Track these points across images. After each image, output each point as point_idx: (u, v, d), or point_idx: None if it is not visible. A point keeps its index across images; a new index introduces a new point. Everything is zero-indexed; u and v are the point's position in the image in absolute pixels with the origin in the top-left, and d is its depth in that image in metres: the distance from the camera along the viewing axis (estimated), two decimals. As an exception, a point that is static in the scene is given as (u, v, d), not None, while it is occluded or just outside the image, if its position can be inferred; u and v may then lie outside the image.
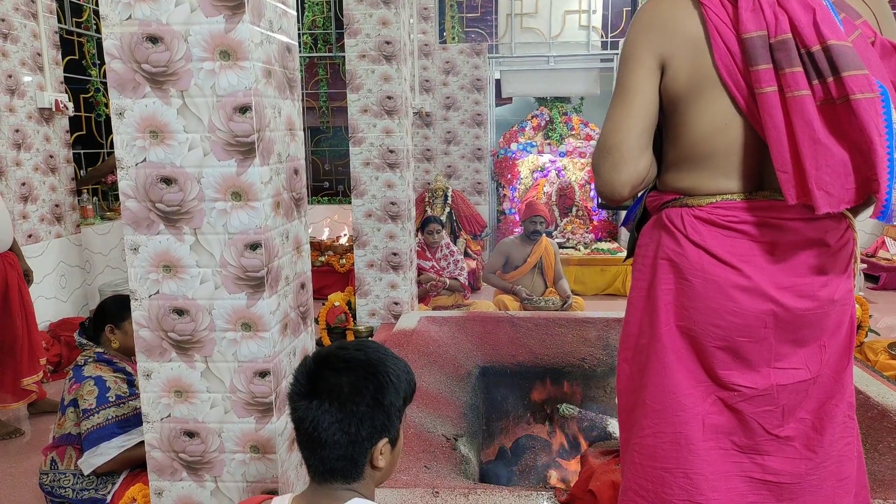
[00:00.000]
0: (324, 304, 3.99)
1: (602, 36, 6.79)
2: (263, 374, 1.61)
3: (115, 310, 2.49)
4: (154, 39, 1.51)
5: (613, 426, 3.19)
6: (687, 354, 1.27)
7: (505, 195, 6.78)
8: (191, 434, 1.66)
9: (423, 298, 4.70)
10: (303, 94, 7.26)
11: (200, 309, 1.60)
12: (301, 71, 7.26)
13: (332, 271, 5.68)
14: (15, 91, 4.34)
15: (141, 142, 1.54)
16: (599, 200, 1.91)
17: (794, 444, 1.26)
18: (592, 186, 6.72)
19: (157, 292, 1.60)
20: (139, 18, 1.50)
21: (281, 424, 1.67)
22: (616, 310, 5.13)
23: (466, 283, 4.73)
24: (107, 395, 2.28)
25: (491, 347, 3.73)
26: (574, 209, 6.63)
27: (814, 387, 1.27)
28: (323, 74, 7.27)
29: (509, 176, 6.74)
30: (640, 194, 1.45)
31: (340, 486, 1.13)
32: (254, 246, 1.56)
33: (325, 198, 7.34)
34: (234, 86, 1.51)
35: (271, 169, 1.63)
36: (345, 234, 6.30)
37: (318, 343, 3.92)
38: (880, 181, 1.07)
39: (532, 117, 6.84)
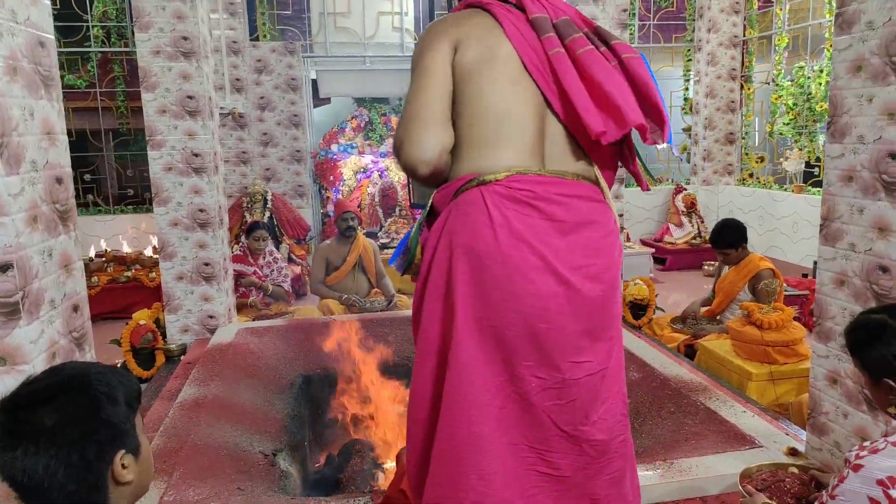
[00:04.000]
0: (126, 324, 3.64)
1: (414, 38, 6.92)
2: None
3: None
4: None
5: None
6: (485, 348, 1.28)
7: (328, 197, 6.67)
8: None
9: (241, 308, 4.47)
10: (97, 92, 6.57)
11: (-62, 346, 1.36)
12: (93, 68, 6.57)
13: (140, 287, 5.21)
14: None
15: None
16: (413, 199, 1.92)
17: (580, 442, 1.32)
18: (414, 186, 6.85)
19: None
20: None
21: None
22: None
23: (290, 290, 4.58)
24: None
25: (315, 354, 3.64)
26: (397, 209, 6.70)
27: (602, 381, 1.33)
28: (119, 71, 6.63)
29: (332, 178, 6.64)
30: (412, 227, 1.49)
31: None
32: (3, 268, 1.36)
33: (130, 206, 6.72)
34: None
35: (22, 179, 1.43)
36: (151, 246, 5.82)
37: (124, 366, 3.57)
38: (661, 107, 1.36)
39: (352, 118, 6.80)
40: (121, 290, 5.22)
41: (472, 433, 1.27)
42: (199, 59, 3.70)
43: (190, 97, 3.71)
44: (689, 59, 7.25)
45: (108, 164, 7.17)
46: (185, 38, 3.65)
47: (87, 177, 6.71)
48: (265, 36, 6.65)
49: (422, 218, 1.46)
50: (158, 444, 2.36)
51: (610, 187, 1.41)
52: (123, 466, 1.03)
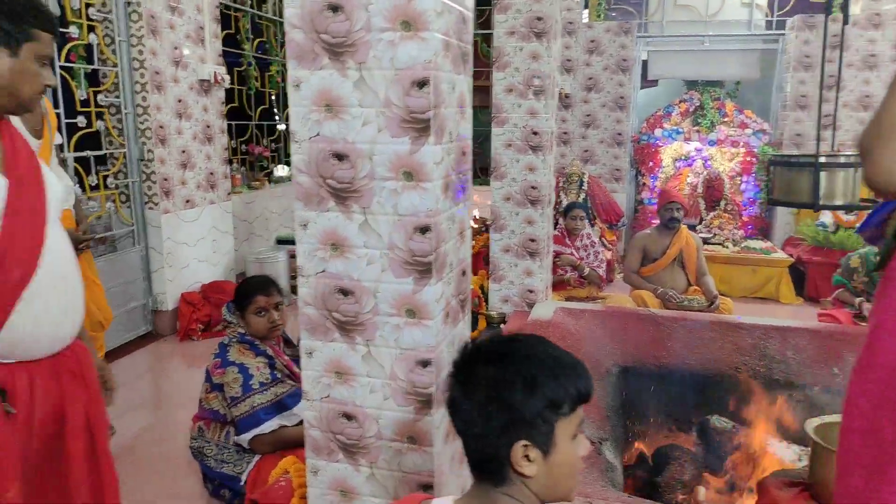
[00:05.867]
0: (458, 287, 3.92)
1: (767, 14, 6.19)
2: (425, 363, 1.54)
3: (238, 297, 2.52)
4: (335, 8, 1.44)
5: (778, 449, 2.89)
6: None
7: (644, 184, 6.40)
8: (349, 416, 1.62)
9: (555, 286, 4.53)
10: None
11: (365, 291, 1.54)
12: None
13: (461, 252, 5.63)
14: (179, 63, 4.60)
15: (315, 115, 1.50)
16: (773, 195, 1.65)
17: None
18: (744, 179, 6.21)
19: (324, 271, 1.56)
20: (323, -14, 1.44)
21: (439, 417, 1.60)
22: (771, 315, 4.73)
23: (604, 275, 4.50)
24: (250, 382, 2.34)
25: (632, 346, 3.51)
26: (723, 203, 6.14)
27: None
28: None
29: (651, 164, 6.35)
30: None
31: (494, 490, 1.07)
32: (423, 229, 1.48)
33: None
34: (413, 58, 1.42)
35: (443, 149, 1.53)
36: (472, 217, 6.23)
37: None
38: None
39: (680, 102, 6.39)
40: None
41: None
42: (549, 40, 3.76)
43: (537, 77, 3.79)
44: None
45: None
46: (540, 19, 3.73)
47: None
48: (598, 16, 6.57)
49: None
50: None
51: None
52: (526, 458, 1.03)
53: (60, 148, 3.32)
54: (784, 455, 2.94)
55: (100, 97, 4.21)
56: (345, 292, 1.56)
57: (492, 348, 1.10)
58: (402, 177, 1.47)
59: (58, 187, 1.56)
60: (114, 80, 4.25)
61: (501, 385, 1.05)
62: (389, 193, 1.48)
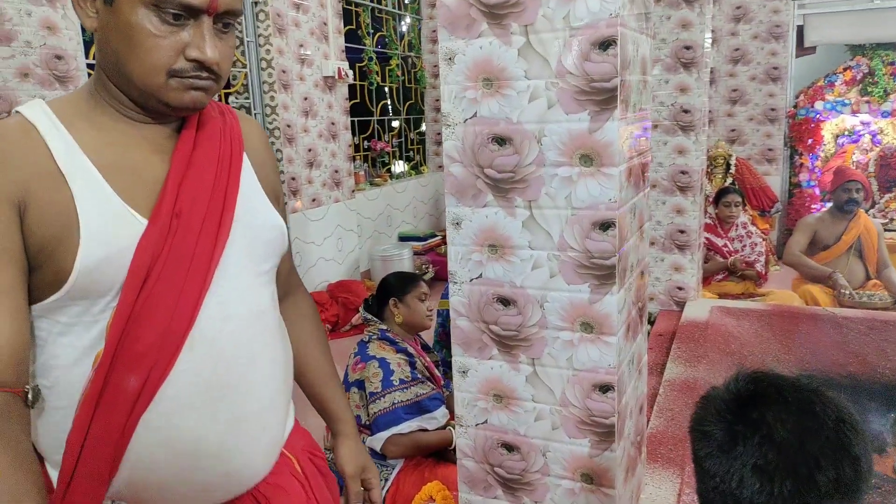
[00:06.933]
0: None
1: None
2: (605, 387, 1.26)
3: (398, 284, 2.42)
4: (492, -38, 1.20)
5: None
6: None
7: (802, 164, 5.69)
8: (510, 448, 1.38)
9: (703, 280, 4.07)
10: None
11: (530, 300, 1.29)
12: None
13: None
14: (304, 60, 4.58)
15: (472, 93, 1.26)
16: None
17: None
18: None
19: (480, 276, 1.33)
20: (481, -66, 1.20)
21: (621, 452, 1.32)
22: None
23: (763, 271, 3.99)
24: (391, 377, 2.18)
25: (808, 352, 3.04)
26: (900, 183, 5.34)
27: None
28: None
29: (810, 141, 5.63)
30: None
31: None
32: (605, 225, 1.20)
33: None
34: (594, 13, 1.14)
35: (629, 125, 1.24)
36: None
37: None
38: None
39: (844, 69, 5.60)
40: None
41: None
42: (701, 5, 3.33)
43: (687, 47, 3.38)
44: None
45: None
46: (691, -19, 3.30)
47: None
48: (745, -21, 5.91)
49: None
50: (657, 425, 2.16)
51: None
52: None
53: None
54: None
55: (230, 99, 4.26)
56: (505, 302, 1.31)
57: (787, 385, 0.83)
58: (579, 161, 1.20)
59: (270, 223, 0.99)
60: (243, 81, 4.28)
61: (825, 441, 0.79)
62: (562, 182, 1.22)
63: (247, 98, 4.31)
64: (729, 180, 5.22)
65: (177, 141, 0.91)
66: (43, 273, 0.82)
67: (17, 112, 0.86)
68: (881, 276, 3.90)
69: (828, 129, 5.67)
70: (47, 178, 0.81)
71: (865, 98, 5.50)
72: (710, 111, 5.90)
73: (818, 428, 0.77)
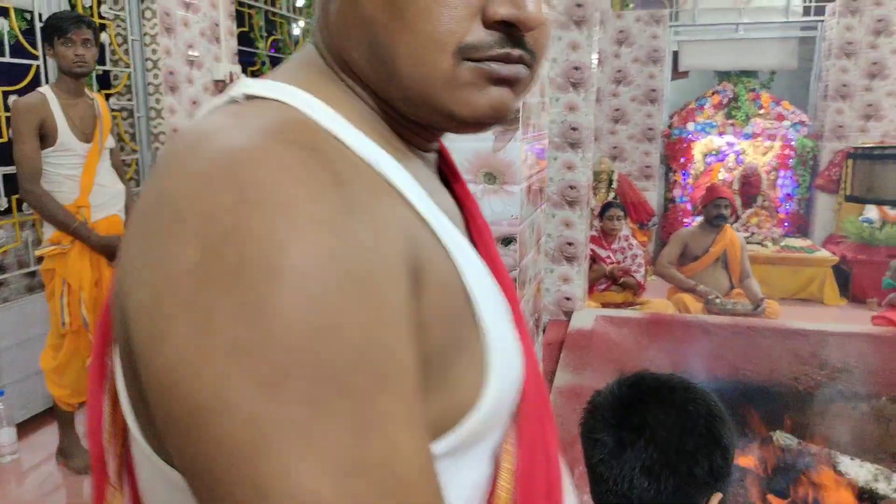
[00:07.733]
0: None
1: (804, 0, 5.91)
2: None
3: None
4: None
5: (850, 468, 2.66)
6: None
7: (675, 181, 6.14)
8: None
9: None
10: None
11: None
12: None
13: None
14: (194, 62, 4.40)
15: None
16: (850, 191, 1.42)
17: None
18: (780, 174, 5.94)
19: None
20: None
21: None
22: (816, 318, 4.47)
23: (642, 281, 4.27)
24: None
25: (681, 357, 3.29)
26: (759, 199, 5.88)
27: None
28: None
29: (683, 160, 6.09)
30: None
31: None
32: (507, 240, 1.26)
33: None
34: None
35: (530, 145, 1.31)
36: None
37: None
38: None
39: (713, 93, 6.12)
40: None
41: None
42: (589, 28, 3.53)
43: (576, 68, 3.56)
44: None
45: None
46: (580, 5, 3.50)
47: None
48: (627, 5, 6.31)
49: None
50: (547, 432, 2.26)
51: None
52: None
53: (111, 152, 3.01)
54: (857, 474, 2.72)
55: (111, 100, 4.01)
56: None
57: (655, 381, 0.94)
58: (483, 179, 1.25)
59: None
60: (126, 82, 4.05)
61: (701, 419, 0.89)
62: (458, 206, 1.26)
63: (129, 100, 4.07)
64: (612, 195, 5.55)
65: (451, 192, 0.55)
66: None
67: (294, 110, 0.42)
68: (743, 285, 4.29)
69: (698, 149, 6.16)
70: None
71: (730, 121, 6.04)
72: (595, 129, 6.25)
73: (693, 426, 0.86)
